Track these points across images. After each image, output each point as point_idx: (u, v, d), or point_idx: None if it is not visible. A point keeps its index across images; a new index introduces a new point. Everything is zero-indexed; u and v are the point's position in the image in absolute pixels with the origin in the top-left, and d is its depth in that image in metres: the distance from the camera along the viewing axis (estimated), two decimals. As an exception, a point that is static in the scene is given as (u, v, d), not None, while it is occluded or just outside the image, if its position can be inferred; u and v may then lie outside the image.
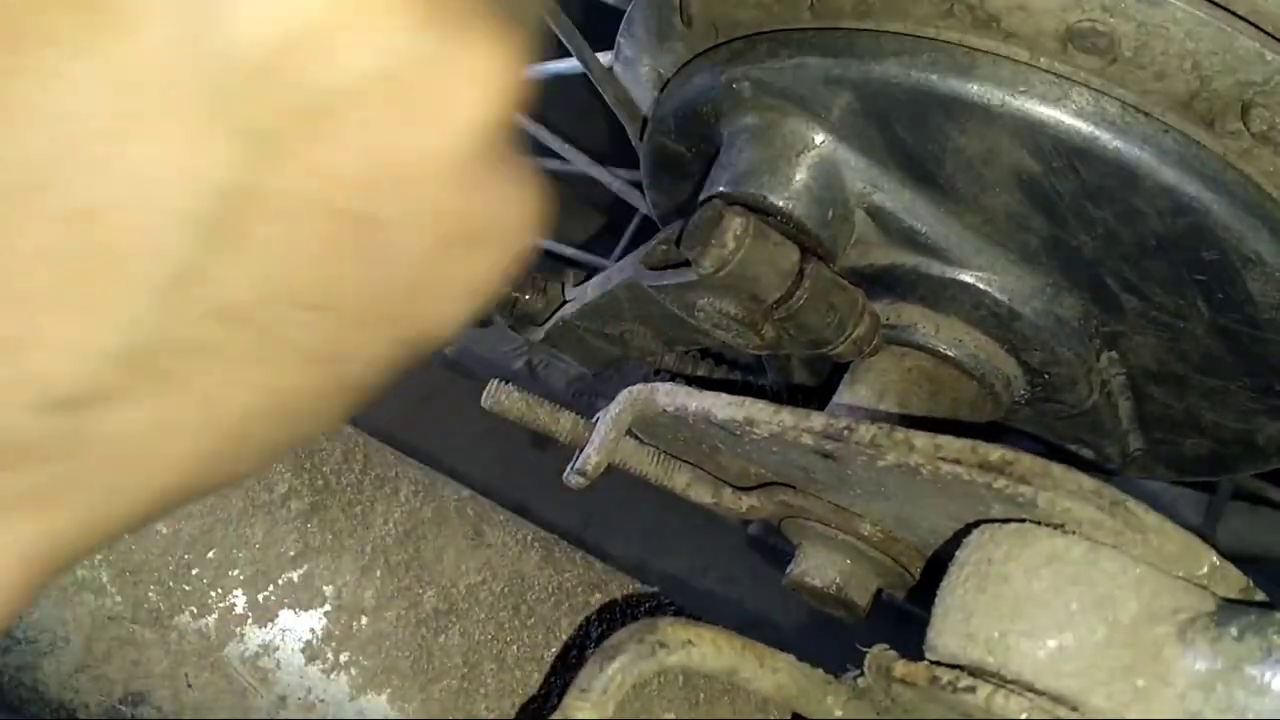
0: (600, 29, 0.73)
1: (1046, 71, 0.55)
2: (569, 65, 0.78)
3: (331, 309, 0.31)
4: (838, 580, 0.65)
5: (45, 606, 0.61)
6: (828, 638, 0.60)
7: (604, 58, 0.73)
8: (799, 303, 0.62)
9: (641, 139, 0.73)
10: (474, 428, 1.61)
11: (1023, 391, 0.69)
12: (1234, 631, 0.45)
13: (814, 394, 0.77)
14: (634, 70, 0.71)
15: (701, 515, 1.51)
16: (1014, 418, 0.73)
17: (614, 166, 0.97)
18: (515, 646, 0.65)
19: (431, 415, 1.64)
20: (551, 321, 0.74)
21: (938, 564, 0.63)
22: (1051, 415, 0.71)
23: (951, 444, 0.51)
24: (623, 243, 1.20)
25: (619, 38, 0.70)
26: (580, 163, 0.92)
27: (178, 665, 0.62)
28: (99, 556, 0.62)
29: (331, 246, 0.30)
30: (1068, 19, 0.53)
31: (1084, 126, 0.54)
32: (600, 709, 0.50)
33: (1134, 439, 0.72)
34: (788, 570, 0.67)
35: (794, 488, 0.65)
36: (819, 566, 0.65)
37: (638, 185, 0.90)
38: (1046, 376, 0.67)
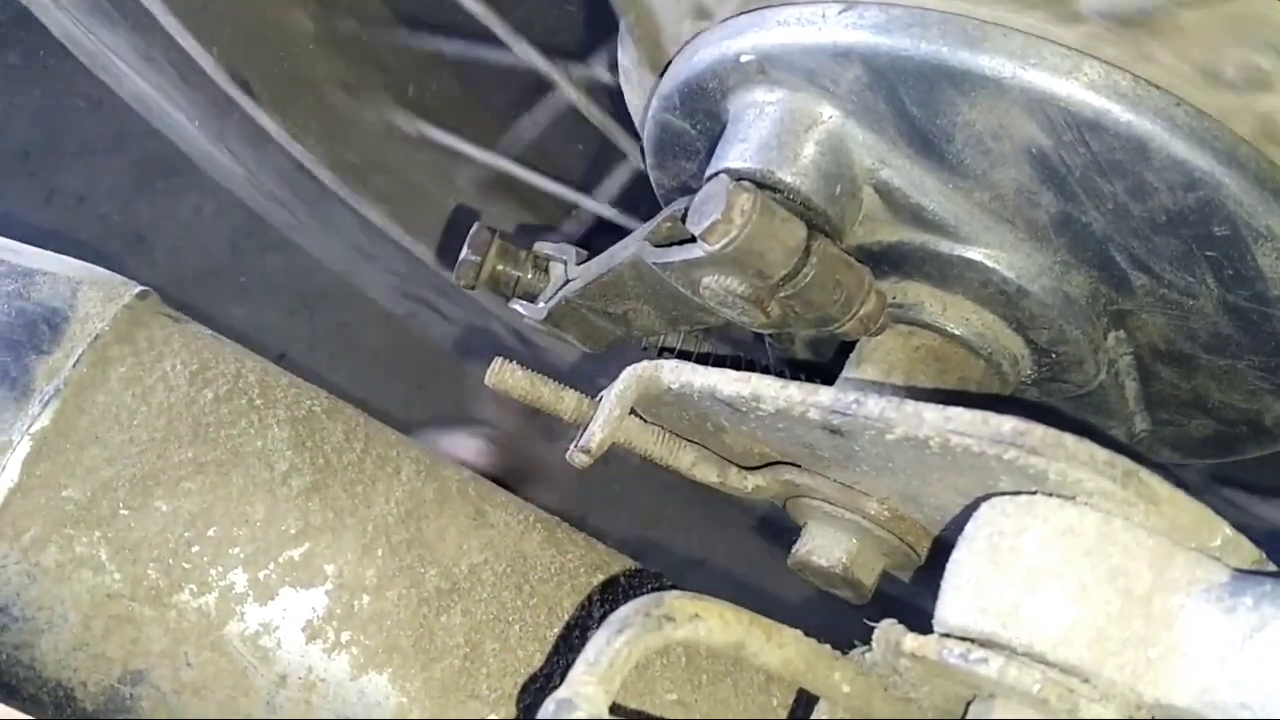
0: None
1: (1057, 44, 0.54)
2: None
3: None
4: (844, 560, 0.65)
5: (43, 583, 0.61)
6: (830, 621, 0.59)
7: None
8: (805, 280, 0.61)
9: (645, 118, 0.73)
10: (475, 413, 1.61)
11: (1029, 370, 0.68)
12: (1248, 601, 0.45)
13: (818, 374, 0.77)
14: (637, 50, 0.70)
15: (702, 499, 1.51)
16: (1020, 397, 0.73)
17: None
18: (517, 626, 0.65)
19: (429, 403, 1.64)
20: (554, 300, 0.74)
21: (943, 546, 0.62)
22: (1058, 395, 0.71)
23: (962, 415, 0.50)
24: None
25: (622, 15, 0.69)
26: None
27: (177, 644, 0.61)
28: (97, 533, 0.61)
29: None
30: None
31: (1096, 99, 0.54)
32: (607, 682, 0.49)
33: (1140, 420, 0.72)
34: (793, 551, 0.67)
35: (799, 466, 0.64)
36: (825, 546, 0.65)
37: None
38: (1054, 355, 0.67)
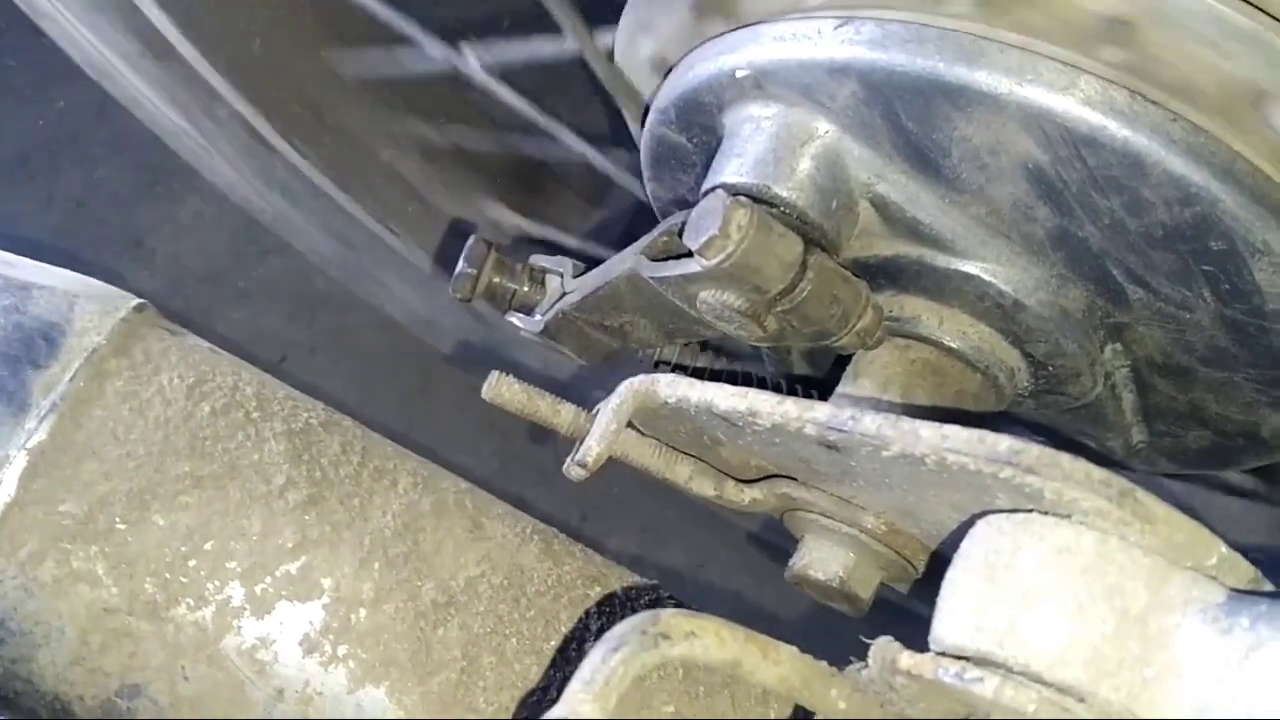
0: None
1: (1054, 59, 0.54)
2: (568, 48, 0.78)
3: None
4: (841, 573, 0.64)
5: (40, 598, 0.61)
6: (827, 633, 0.59)
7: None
8: (802, 294, 0.61)
9: (642, 126, 0.73)
10: (471, 421, 1.61)
11: (1026, 383, 0.68)
12: (1245, 622, 0.45)
13: (815, 387, 0.77)
14: (635, 53, 0.70)
15: (699, 510, 1.51)
16: (1016, 410, 0.73)
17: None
18: (514, 639, 0.65)
19: (429, 409, 1.64)
20: (551, 313, 0.74)
21: (939, 560, 0.62)
22: (1054, 407, 0.71)
23: (958, 434, 0.50)
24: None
25: (623, 17, 0.69)
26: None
27: (174, 658, 0.61)
28: (94, 547, 0.61)
29: None
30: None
31: (1092, 115, 0.54)
32: (603, 700, 0.49)
33: (1137, 432, 0.72)
34: (790, 564, 0.67)
35: (796, 480, 0.64)
36: (822, 560, 0.65)
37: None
38: (1050, 368, 0.67)
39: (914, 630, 0.53)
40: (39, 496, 0.60)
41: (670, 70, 0.68)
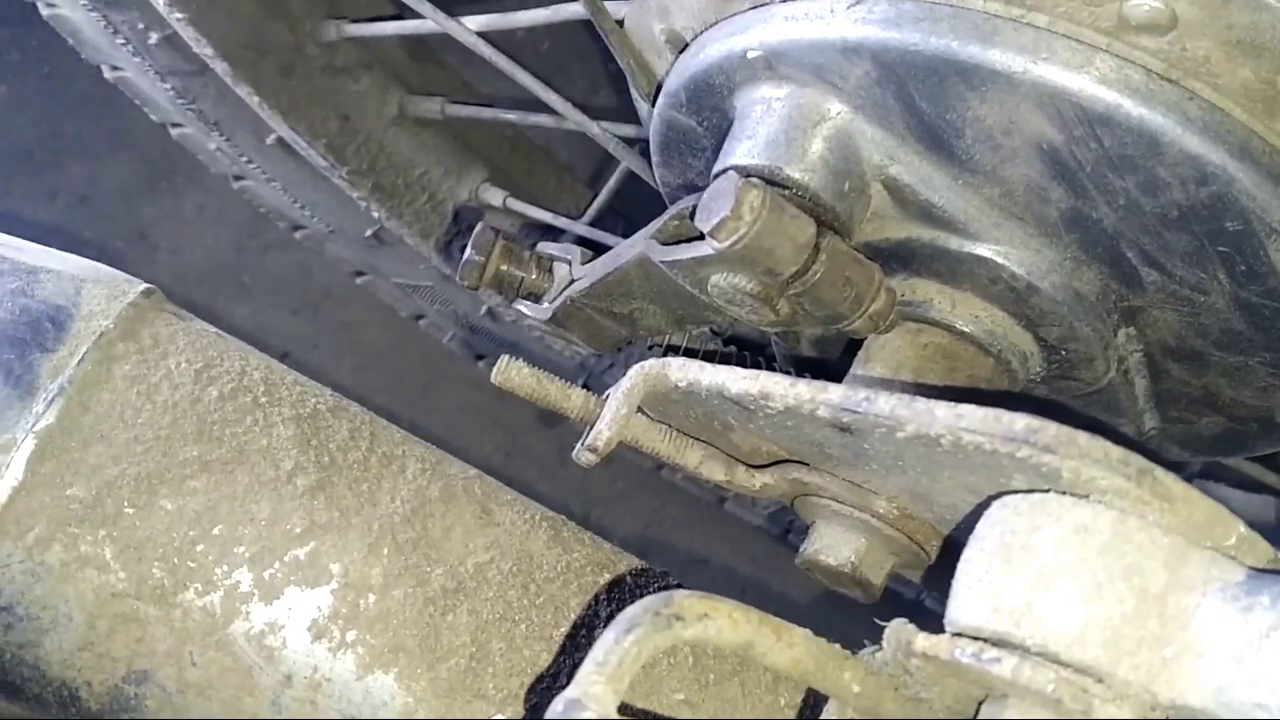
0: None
1: (1068, 38, 0.54)
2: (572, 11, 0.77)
3: None
4: (852, 559, 0.64)
5: (48, 583, 0.60)
6: (829, 630, 0.59)
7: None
8: (815, 277, 0.61)
9: (652, 104, 0.72)
10: (474, 417, 1.60)
11: (1039, 368, 0.68)
12: (1265, 600, 0.44)
13: (824, 373, 0.76)
14: (646, 23, 0.69)
15: (702, 505, 1.50)
16: (1030, 394, 0.72)
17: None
18: (524, 625, 0.64)
19: (432, 404, 1.63)
20: (559, 300, 0.74)
21: (952, 547, 0.62)
22: (1067, 393, 0.70)
23: (974, 413, 0.50)
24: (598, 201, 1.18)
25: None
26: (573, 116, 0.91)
27: (182, 643, 0.61)
28: (102, 532, 0.61)
29: None
30: None
31: (1107, 94, 0.54)
32: (616, 682, 0.49)
33: (1149, 418, 0.72)
34: (801, 549, 0.67)
35: (808, 465, 0.64)
36: (833, 545, 0.65)
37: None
38: (1063, 353, 0.67)
39: (922, 623, 0.53)
40: (46, 480, 0.60)
41: (685, 47, 0.67)
